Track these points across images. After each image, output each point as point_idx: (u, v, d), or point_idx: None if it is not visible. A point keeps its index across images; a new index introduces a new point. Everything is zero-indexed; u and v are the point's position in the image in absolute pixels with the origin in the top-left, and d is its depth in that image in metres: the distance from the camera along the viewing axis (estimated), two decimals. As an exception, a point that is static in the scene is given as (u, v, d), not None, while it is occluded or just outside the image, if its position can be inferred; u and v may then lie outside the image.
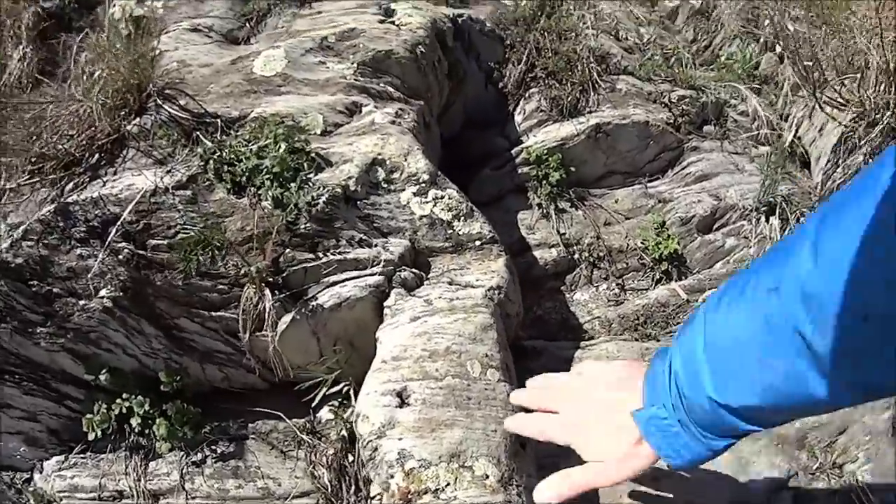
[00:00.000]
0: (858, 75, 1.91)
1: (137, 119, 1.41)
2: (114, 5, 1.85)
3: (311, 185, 1.28)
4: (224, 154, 1.32)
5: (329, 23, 1.82)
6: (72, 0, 1.86)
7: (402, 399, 1.07)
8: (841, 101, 1.95)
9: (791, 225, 2.05)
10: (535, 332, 1.87)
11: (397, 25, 1.84)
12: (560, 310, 2.01)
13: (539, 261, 2.00)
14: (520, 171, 2.10)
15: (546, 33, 2.19)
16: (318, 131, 1.47)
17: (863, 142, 1.88)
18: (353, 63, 1.65)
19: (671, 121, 2.18)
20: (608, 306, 1.98)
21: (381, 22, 1.85)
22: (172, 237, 1.29)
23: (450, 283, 1.30)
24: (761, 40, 2.52)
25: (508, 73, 2.18)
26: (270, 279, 1.29)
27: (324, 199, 1.28)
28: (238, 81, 1.56)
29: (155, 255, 1.28)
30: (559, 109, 2.12)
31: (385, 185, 1.38)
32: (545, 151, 2.06)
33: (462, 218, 1.40)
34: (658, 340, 1.87)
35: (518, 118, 2.17)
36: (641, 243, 2.02)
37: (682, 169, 2.17)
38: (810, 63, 2.04)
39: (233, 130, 1.41)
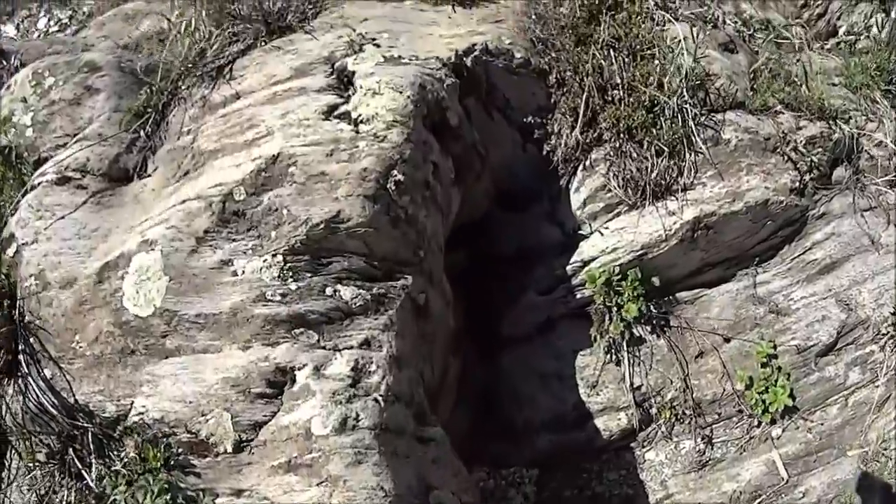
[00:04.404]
0: None
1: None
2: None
3: None
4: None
5: (247, 128, 0.98)
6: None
7: None
8: None
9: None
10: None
11: (354, 126, 0.99)
12: (626, 480, 1.36)
13: (602, 432, 1.32)
14: (577, 294, 1.31)
15: (614, 50, 1.27)
16: (229, 446, 0.75)
17: None
18: (275, 253, 0.86)
19: (795, 184, 1.36)
20: (688, 472, 1.33)
21: (326, 118, 0.97)
22: None
23: None
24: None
25: (557, 129, 1.29)
26: None
27: None
28: (108, 331, 0.84)
29: None
30: (639, 190, 1.28)
31: None
32: (617, 271, 1.26)
33: None
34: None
35: (575, 196, 1.31)
36: (743, 385, 1.32)
37: (804, 253, 1.40)
38: None
39: (113, 450, 0.70)
